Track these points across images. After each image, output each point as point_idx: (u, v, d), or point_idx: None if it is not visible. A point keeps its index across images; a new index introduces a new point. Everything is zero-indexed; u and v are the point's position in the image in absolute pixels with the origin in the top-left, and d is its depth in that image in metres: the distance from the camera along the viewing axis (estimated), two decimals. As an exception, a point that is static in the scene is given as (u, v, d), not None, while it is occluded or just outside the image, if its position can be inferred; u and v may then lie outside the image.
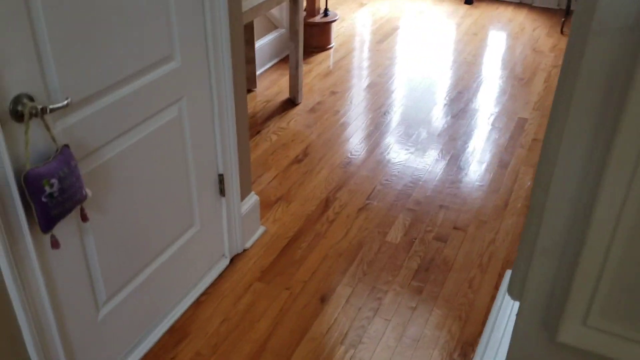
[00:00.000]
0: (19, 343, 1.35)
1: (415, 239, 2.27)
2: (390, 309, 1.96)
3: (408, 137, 2.96)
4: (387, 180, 2.62)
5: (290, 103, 3.23)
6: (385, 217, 2.39)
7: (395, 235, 2.30)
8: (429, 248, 2.23)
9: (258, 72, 3.48)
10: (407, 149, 2.85)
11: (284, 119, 3.08)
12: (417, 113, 3.19)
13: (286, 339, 1.84)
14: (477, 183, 2.61)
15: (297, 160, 2.74)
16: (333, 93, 3.37)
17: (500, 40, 4.16)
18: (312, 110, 3.18)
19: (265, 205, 2.43)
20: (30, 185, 1.21)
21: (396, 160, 2.76)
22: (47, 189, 1.23)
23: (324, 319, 1.92)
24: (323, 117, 3.11)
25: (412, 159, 2.77)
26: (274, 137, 2.92)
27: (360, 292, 2.03)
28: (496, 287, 2.05)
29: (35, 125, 1.24)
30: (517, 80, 3.56)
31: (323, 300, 1.99)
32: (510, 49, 4.01)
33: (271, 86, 3.42)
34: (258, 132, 2.97)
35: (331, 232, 2.30)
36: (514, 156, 2.81)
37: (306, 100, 3.27)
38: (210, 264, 2.07)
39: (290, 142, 2.88)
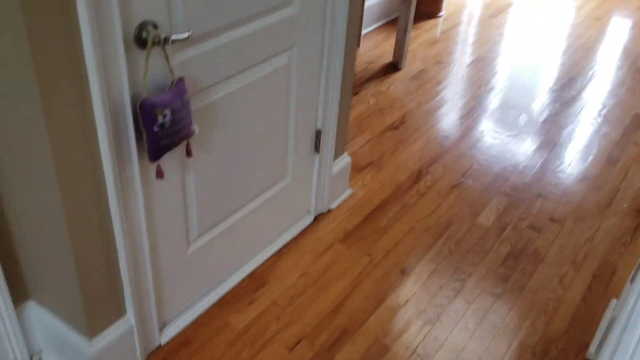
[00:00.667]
0: (113, 264, 1.39)
1: (508, 224, 2.17)
2: (472, 292, 1.89)
3: (511, 118, 2.81)
4: (484, 160, 2.51)
5: (393, 67, 3.14)
6: (478, 198, 2.29)
7: (487, 218, 2.20)
8: (521, 236, 2.13)
9: (363, 32, 3.40)
10: (509, 131, 2.71)
11: (384, 83, 3.01)
12: (523, 95, 3.02)
13: (362, 304, 1.82)
14: (580, 176, 2.46)
15: (393, 127, 2.67)
16: (437, 63, 3.24)
17: (624, 28, 3.85)
18: (414, 77, 3.08)
19: (355, 169, 2.39)
20: (144, 113, 1.23)
21: (496, 142, 2.64)
22: (160, 119, 1.24)
23: (403, 290, 1.88)
24: (424, 87, 3.01)
25: (513, 142, 2.64)
26: (372, 101, 2.86)
27: (443, 270, 1.97)
28: (589, 288, 1.93)
29: (155, 54, 1.25)
30: (639, 73, 3.29)
31: (404, 272, 1.95)
32: (635, 38, 3.70)
33: (374, 48, 3.34)
34: (356, 93, 2.91)
35: (420, 205, 2.24)
36: (625, 153, 2.61)
37: (409, 66, 3.17)
38: (294, 218, 2.06)
39: (388, 108, 2.81)
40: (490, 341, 1.74)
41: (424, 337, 1.73)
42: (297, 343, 1.69)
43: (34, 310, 1.51)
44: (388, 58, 3.22)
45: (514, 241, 2.10)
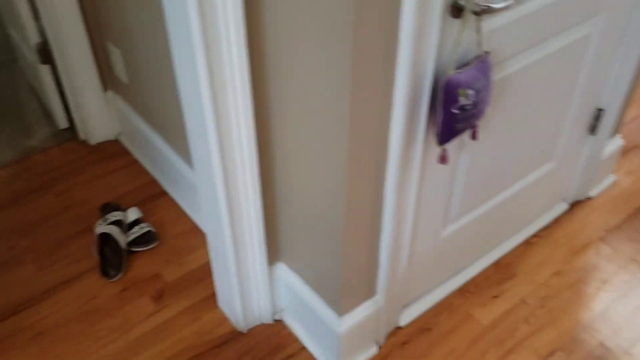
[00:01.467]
0: (376, 244, 1.30)
1: None
2: None
3: None
4: None
5: None
6: None
7: None
8: None
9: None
10: None
11: None
12: None
13: (630, 321, 1.56)
14: None
15: (667, 103, 2.24)
16: None
17: None
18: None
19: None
20: (447, 92, 1.06)
21: None
22: (461, 100, 1.08)
23: (681, 312, 1.58)
24: None
25: None
26: None
27: None
28: None
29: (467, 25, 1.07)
30: None
31: (683, 288, 1.63)
32: None
33: None
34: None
35: None
36: None
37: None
38: (549, 204, 1.82)
39: (660, 78, 2.36)
40: None
41: None
42: (551, 354, 1.49)
43: (284, 272, 1.50)
44: None
45: None
